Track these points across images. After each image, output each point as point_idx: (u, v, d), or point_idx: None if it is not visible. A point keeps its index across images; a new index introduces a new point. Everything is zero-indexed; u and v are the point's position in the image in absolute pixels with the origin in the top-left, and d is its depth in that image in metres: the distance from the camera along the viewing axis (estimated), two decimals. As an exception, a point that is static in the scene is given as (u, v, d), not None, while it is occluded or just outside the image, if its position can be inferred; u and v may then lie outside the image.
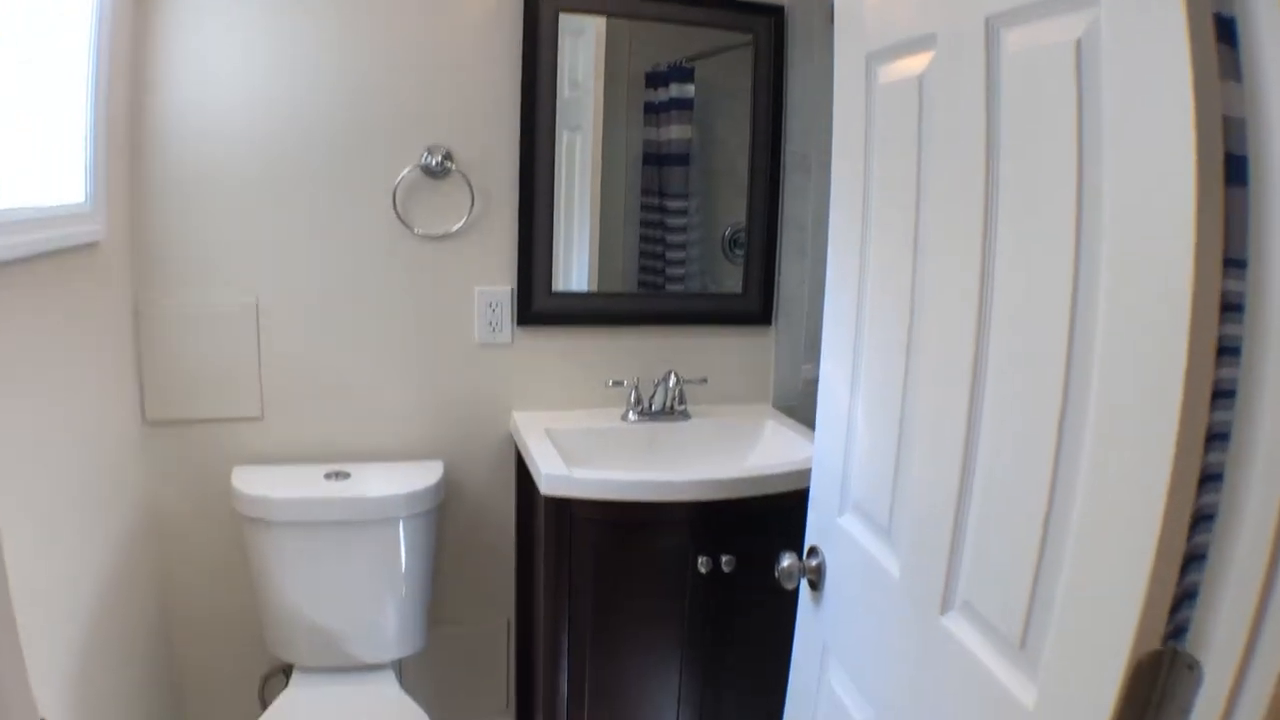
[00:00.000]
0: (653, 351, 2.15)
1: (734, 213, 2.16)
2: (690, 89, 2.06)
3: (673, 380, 2.07)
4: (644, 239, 2.10)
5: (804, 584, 1.31)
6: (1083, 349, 0.74)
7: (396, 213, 1.93)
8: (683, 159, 2.08)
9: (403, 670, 2.10)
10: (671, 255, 2.12)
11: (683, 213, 2.11)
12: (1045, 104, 0.79)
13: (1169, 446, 0.64)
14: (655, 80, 2.04)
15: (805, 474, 1.73)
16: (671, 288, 2.14)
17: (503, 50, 1.94)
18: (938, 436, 0.97)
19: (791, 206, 2.19)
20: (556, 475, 1.67)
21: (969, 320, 0.91)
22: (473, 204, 1.96)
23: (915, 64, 1.01)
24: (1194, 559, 0.66)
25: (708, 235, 2.16)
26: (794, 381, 2.28)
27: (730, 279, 2.18)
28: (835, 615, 1.24)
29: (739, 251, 2.17)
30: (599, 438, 2.00)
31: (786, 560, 1.28)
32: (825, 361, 1.30)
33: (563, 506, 1.68)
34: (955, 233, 0.93)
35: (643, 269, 2.12)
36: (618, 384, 2.08)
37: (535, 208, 2.00)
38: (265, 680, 2.06)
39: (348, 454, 2.00)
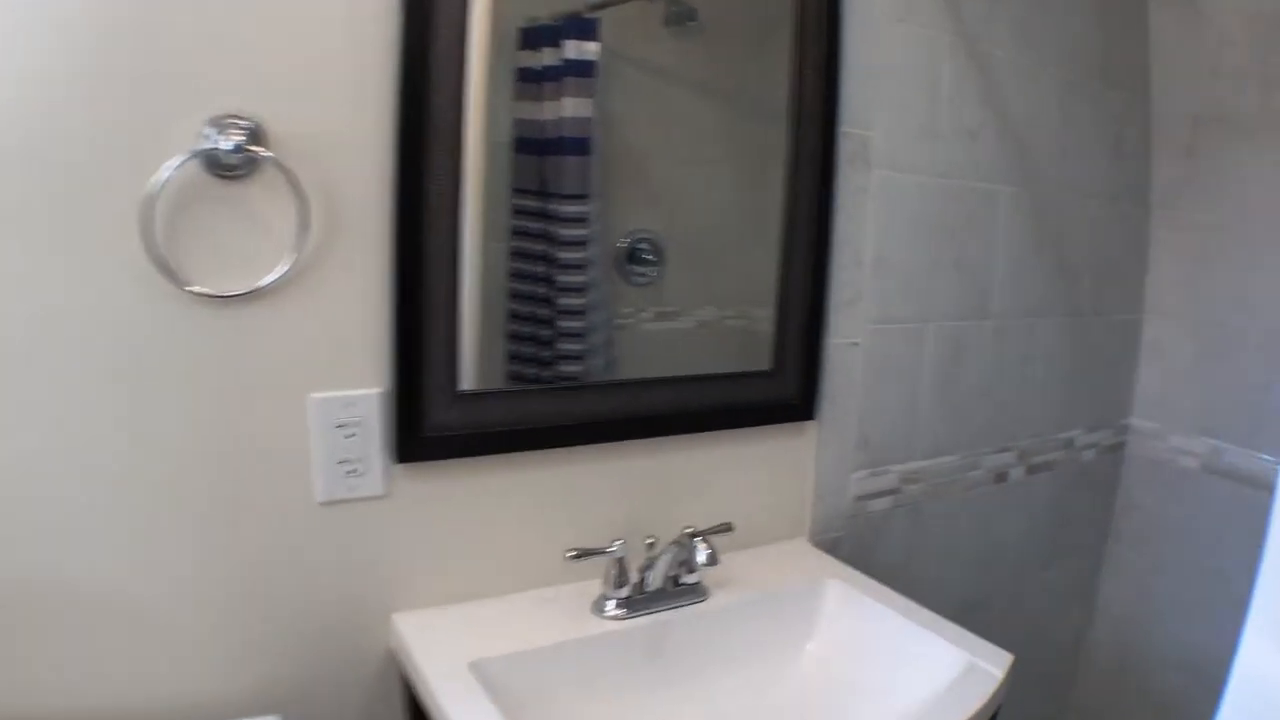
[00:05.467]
0: (637, 483, 1.23)
1: (633, 218, 1.22)
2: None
3: (672, 553, 1.14)
4: (516, 275, 1.14)
5: None
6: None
7: (151, 252, 0.89)
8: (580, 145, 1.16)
9: None
10: (566, 303, 1.17)
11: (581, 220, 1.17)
12: None
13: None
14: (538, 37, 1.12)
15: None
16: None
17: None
18: None
19: (844, 225, 1.34)
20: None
21: None
22: (305, 225, 0.96)
23: None
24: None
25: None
26: (839, 501, 1.43)
27: (628, 306, 1.23)
28: None
29: (640, 269, 1.25)
30: (563, 659, 1.05)
31: None
32: None
33: None
34: None
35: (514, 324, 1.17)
36: (581, 555, 1.13)
37: (425, 228, 1.02)
38: None
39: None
